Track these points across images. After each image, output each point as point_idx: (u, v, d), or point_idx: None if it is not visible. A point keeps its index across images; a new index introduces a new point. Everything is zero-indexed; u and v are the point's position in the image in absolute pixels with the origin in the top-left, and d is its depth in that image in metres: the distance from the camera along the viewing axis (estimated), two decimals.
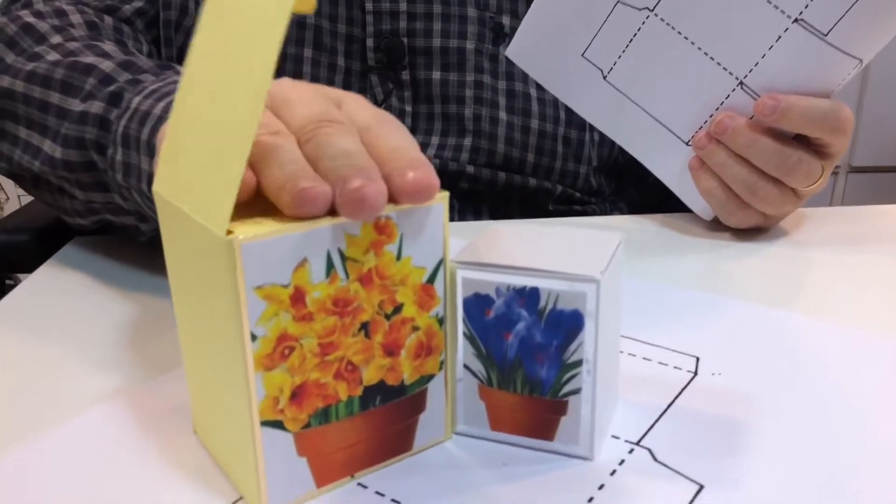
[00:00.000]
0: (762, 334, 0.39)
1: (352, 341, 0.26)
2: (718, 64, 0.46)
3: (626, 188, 0.70)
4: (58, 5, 0.52)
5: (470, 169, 0.58)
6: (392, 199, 0.25)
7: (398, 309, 0.27)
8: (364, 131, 0.28)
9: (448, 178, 0.58)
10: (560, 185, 0.61)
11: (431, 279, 0.28)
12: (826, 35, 0.43)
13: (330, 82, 0.57)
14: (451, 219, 0.60)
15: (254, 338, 0.24)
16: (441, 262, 0.28)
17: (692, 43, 0.46)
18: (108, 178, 0.43)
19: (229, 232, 0.23)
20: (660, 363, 0.36)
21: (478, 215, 0.60)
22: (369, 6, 0.56)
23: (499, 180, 0.59)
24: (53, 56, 0.47)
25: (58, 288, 0.47)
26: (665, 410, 0.32)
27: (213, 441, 0.29)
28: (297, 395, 0.26)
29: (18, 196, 1.43)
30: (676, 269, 0.48)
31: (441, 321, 0.28)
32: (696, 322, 0.40)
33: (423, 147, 0.57)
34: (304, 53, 0.56)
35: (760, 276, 0.47)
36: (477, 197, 0.60)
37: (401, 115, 0.57)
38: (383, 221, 0.26)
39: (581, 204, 0.64)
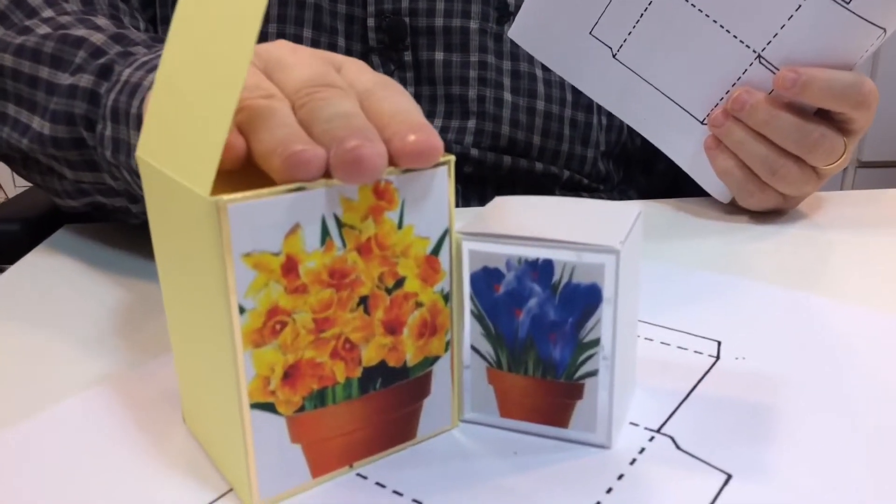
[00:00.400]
0: (786, 317, 0.37)
1: (350, 317, 0.24)
2: (735, 37, 0.44)
3: (636, 176, 0.68)
4: None
5: (474, 152, 0.56)
6: (392, 163, 0.23)
7: (400, 283, 0.25)
8: (364, 96, 0.26)
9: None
10: (567, 169, 0.59)
11: (436, 251, 0.26)
12: (849, 2, 0.41)
13: None
14: (456, 205, 0.58)
15: (242, 310, 0.22)
16: (446, 233, 0.26)
17: (706, 16, 0.44)
18: (98, 156, 0.41)
19: (215, 193, 0.21)
20: (679, 347, 0.34)
21: (482, 199, 0.58)
22: None
23: (504, 164, 0.57)
24: (44, 29, 0.45)
25: (46, 274, 0.45)
26: (687, 396, 0.30)
27: (201, 429, 0.27)
28: (289, 375, 0.24)
29: (17, 191, 1.41)
30: (692, 253, 0.46)
31: (447, 298, 0.26)
32: (715, 305, 0.38)
33: None
34: (303, 34, 0.54)
35: (779, 259, 0.44)
36: (481, 182, 0.58)
37: None
38: (383, 185, 0.24)
39: (589, 191, 0.61)
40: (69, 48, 0.43)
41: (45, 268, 0.46)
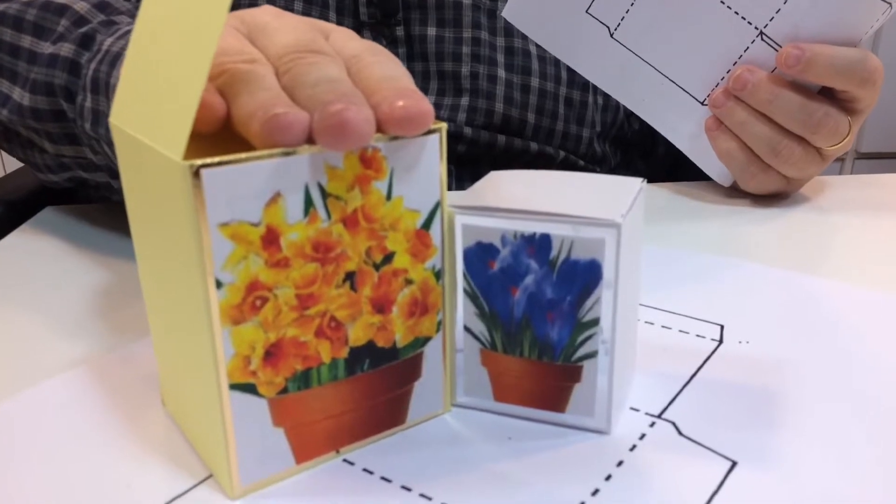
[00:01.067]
0: (789, 300, 0.36)
1: (335, 294, 0.23)
2: (736, 13, 0.43)
3: (634, 161, 0.66)
4: None
5: (467, 131, 0.54)
6: (380, 130, 0.22)
7: (389, 258, 0.24)
8: (352, 62, 0.24)
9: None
10: (562, 150, 0.57)
11: (427, 225, 0.24)
12: None
13: None
14: (449, 185, 0.56)
15: (219, 285, 0.21)
16: (437, 206, 0.24)
17: None
18: (77, 129, 0.40)
19: (189, 156, 0.20)
20: (681, 331, 0.33)
21: (476, 181, 0.57)
22: None
23: (498, 143, 0.55)
24: None
25: (28, 255, 0.43)
26: (689, 381, 0.29)
27: (180, 412, 0.26)
28: (271, 354, 0.22)
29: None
30: (693, 236, 0.44)
31: (438, 275, 0.25)
32: (718, 288, 0.37)
33: None
34: (293, 6, 0.52)
35: (781, 242, 0.43)
36: (475, 162, 0.56)
37: None
38: (370, 153, 0.22)
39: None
40: (52, 16, 0.42)
41: (27, 249, 0.44)
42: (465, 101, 0.54)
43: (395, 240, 0.24)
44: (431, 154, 0.24)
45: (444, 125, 0.24)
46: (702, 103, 0.47)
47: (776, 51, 0.42)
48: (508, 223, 0.24)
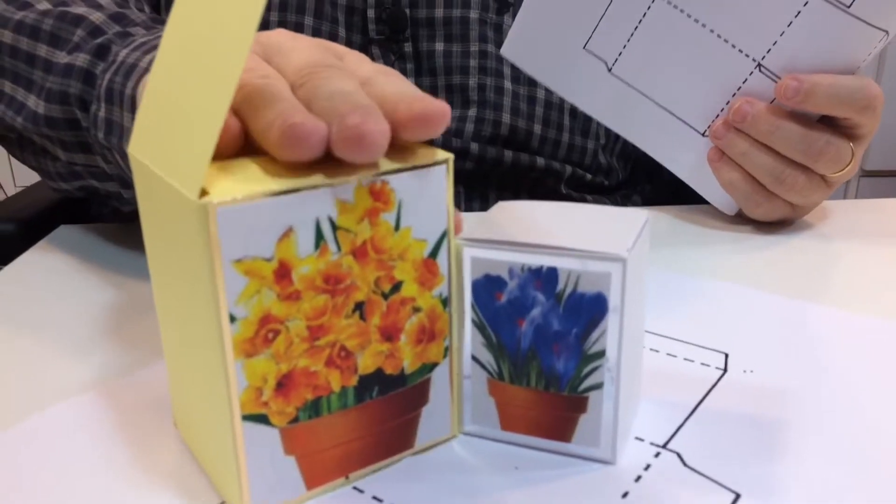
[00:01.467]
0: (794, 328, 0.36)
1: (345, 324, 0.23)
2: (733, 46, 0.43)
3: (640, 181, 0.67)
4: None
5: (474, 147, 0.55)
6: (396, 135, 0.22)
7: (397, 287, 0.24)
8: (365, 81, 0.25)
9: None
10: (569, 164, 0.58)
11: (434, 254, 0.25)
12: (849, 6, 0.40)
13: None
14: (457, 205, 0.57)
15: (233, 319, 0.21)
16: (445, 235, 0.25)
17: (703, 25, 0.43)
18: (91, 138, 0.41)
19: (204, 194, 0.20)
20: (686, 359, 0.33)
21: (484, 201, 0.57)
22: None
23: (505, 159, 0.56)
24: (44, 5, 0.45)
25: (41, 274, 0.44)
26: (693, 410, 0.29)
27: (193, 437, 0.26)
28: (283, 385, 0.23)
29: (17, 190, 1.41)
30: (698, 261, 0.45)
31: (445, 302, 0.25)
32: (722, 315, 0.37)
33: None
34: (304, 21, 0.53)
35: (785, 268, 0.43)
36: (483, 180, 0.57)
37: None
38: (379, 186, 0.23)
39: (593, 187, 0.60)
40: (68, 26, 0.43)
41: (40, 268, 0.45)
42: (472, 112, 0.55)
43: (403, 269, 0.24)
44: (438, 184, 0.24)
45: (450, 156, 0.24)
46: (702, 135, 0.47)
47: (775, 81, 0.43)
48: (516, 256, 0.24)
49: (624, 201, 0.64)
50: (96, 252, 0.47)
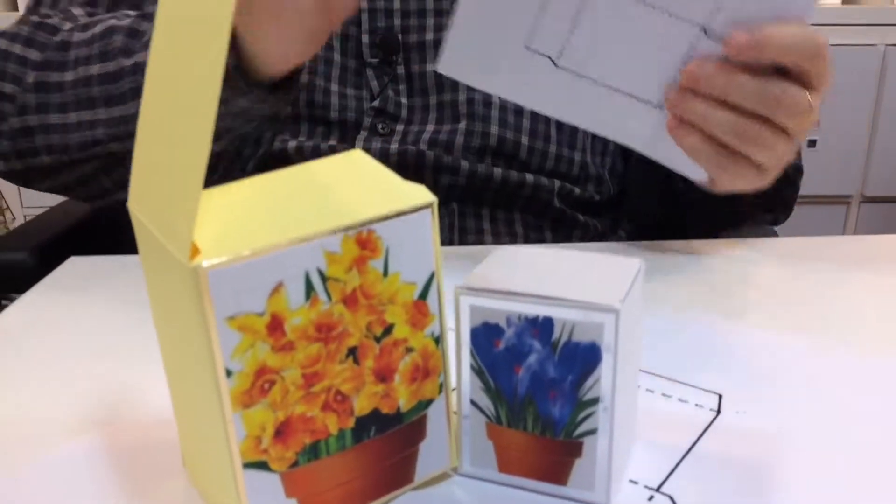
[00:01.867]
0: (787, 368, 0.36)
1: (339, 369, 0.24)
2: (676, 16, 0.43)
3: (631, 203, 0.67)
4: (63, 6, 0.56)
5: (464, 165, 0.56)
6: None
7: (388, 330, 0.25)
8: None
9: (443, 174, 0.56)
10: (557, 178, 0.59)
11: (423, 295, 0.25)
12: None
13: (327, 77, 0.56)
14: (451, 222, 0.58)
15: (229, 373, 0.22)
16: (433, 276, 0.25)
17: (643, 1, 0.44)
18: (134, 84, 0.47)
19: (195, 251, 0.21)
20: (680, 400, 0.33)
21: (478, 219, 0.58)
22: (364, 4, 0.55)
23: (495, 176, 0.57)
24: (78, 36, 0.50)
25: (50, 310, 0.45)
26: (687, 453, 0.30)
27: (199, 480, 0.27)
28: (281, 432, 0.23)
29: (24, 217, 1.43)
30: (691, 299, 0.45)
31: (437, 340, 0.26)
32: (716, 354, 0.37)
33: (419, 134, 0.57)
34: None
35: (779, 307, 0.43)
36: (477, 197, 0.57)
37: (397, 108, 0.57)
38: (366, 235, 0.23)
39: (583, 203, 0.61)
40: (107, 40, 0.49)
41: (49, 304, 0.46)
42: (462, 125, 0.56)
43: (393, 312, 0.25)
44: (424, 228, 0.25)
45: (434, 199, 0.25)
46: (659, 107, 0.47)
47: (722, 43, 0.43)
48: (513, 305, 0.25)
49: (612, 225, 0.64)
50: (105, 285, 0.48)
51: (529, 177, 0.58)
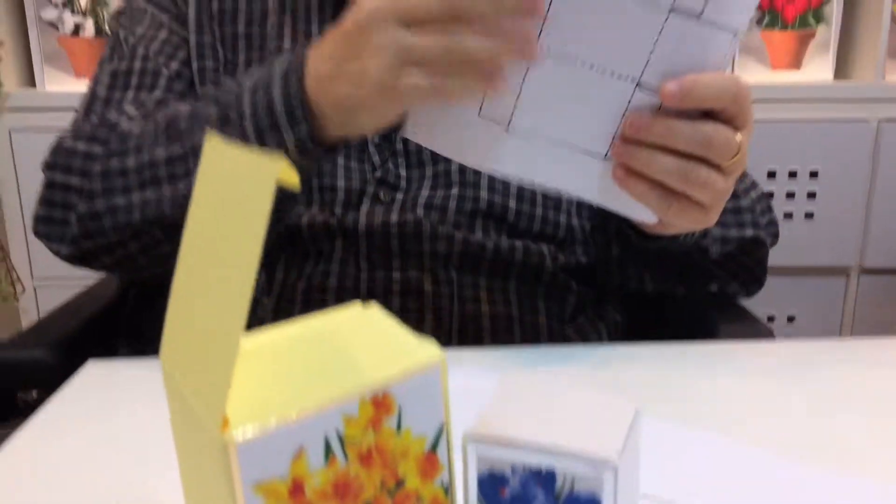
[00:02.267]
0: (788, 495, 0.37)
1: None
2: (612, 74, 0.48)
3: (607, 308, 0.70)
4: (115, 104, 0.64)
5: (459, 236, 0.61)
6: None
7: (401, 483, 0.26)
8: None
9: (439, 242, 0.61)
10: (544, 242, 0.64)
11: (434, 446, 0.27)
12: (701, 14, 0.45)
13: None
14: (451, 291, 0.61)
15: None
16: (443, 427, 0.27)
17: (581, 64, 0.48)
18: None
19: (225, 422, 0.23)
20: None
21: (476, 288, 0.62)
22: None
23: (487, 245, 0.62)
24: (139, 126, 0.58)
25: (68, 423, 0.47)
26: None
27: None
28: None
29: (35, 288, 1.46)
30: (683, 408, 0.46)
31: (447, 489, 0.28)
32: (716, 474, 0.39)
33: (414, 199, 0.63)
34: None
35: (768, 418, 0.45)
36: (472, 265, 0.62)
37: (397, 178, 0.63)
38: (381, 397, 0.25)
39: (575, 274, 0.65)
40: (172, 122, 0.56)
41: (67, 416, 0.47)
42: (454, 191, 0.64)
43: (406, 466, 0.26)
44: (435, 383, 0.27)
45: (443, 355, 0.27)
46: (605, 157, 0.51)
47: (656, 94, 0.48)
48: (517, 455, 0.27)
49: (598, 303, 0.68)
50: (124, 397, 0.50)
51: (518, 242, 0.64)
